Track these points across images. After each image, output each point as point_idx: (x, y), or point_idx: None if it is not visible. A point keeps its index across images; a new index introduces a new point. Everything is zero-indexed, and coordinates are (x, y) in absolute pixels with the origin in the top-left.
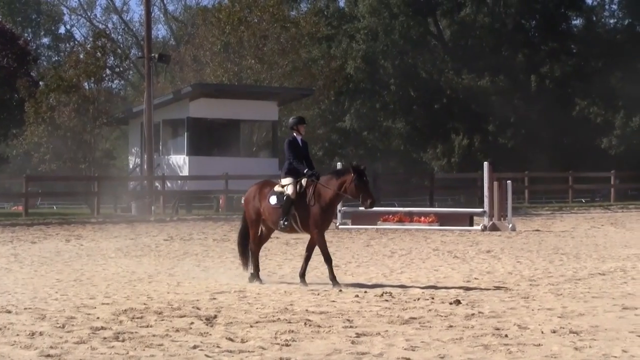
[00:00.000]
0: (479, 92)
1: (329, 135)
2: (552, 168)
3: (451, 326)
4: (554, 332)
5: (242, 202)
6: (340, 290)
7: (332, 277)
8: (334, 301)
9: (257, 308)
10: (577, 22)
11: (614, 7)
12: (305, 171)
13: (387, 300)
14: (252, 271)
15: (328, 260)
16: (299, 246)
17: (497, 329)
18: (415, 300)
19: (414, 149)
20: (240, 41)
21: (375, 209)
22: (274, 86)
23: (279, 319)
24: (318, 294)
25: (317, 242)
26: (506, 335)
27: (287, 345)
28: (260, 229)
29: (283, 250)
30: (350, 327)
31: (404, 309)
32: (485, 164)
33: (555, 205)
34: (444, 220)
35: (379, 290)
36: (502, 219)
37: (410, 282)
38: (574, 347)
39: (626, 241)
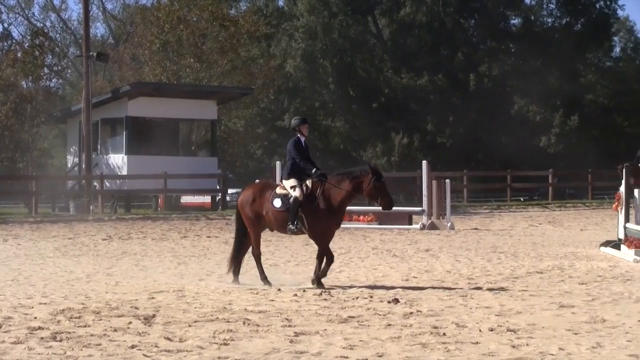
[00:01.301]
0: (418, 91)
1: (269, 134)
2: (490, 167)
3: (389, 325)
4: (492, 330)
5: (237, 205)
6: (328, 292)
7: (319, 277)
8: (272, 300)
9: (195, 307)
10: (516, 21)
11: (552, 6)
12: (313, 171)
13: (326, 299)
14: (262, 276)
15: (322, 259)
16: None
17: (435, 328)
18: (354, 299)
19: (354, 148)
20: (179, 40)
21: None
22: (213, 85)
23: (217, 318)
24: (257, 293)
25: (323, 242)
26: (444, 334)
27: (225, 344)
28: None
29: (222, 250)
30: (289, 326)
31: (343, 307)
32: (424, 162)
33: (494, 204)
34: (383, 219)
35: (317, 289)
36: (440, 217)
37: (349, 281)
38: (512, 345)
39: (563, 239)
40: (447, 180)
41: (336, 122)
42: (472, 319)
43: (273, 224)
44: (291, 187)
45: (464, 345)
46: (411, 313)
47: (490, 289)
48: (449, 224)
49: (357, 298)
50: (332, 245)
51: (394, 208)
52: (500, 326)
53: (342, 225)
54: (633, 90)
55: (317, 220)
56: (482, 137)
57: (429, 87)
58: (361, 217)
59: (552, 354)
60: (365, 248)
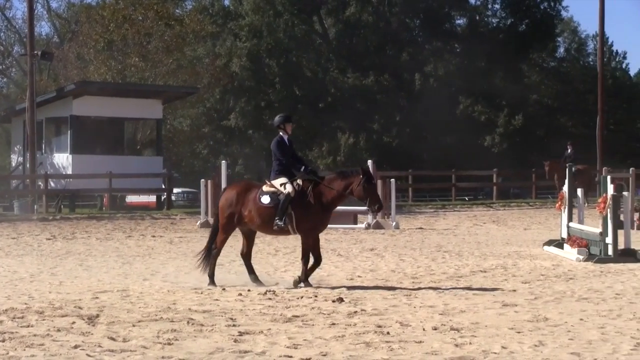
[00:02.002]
0: (364, 91)
1: (214, 133)
2: (435, 166)
3: (334, 324)
4: (435, 329)
5: (220, 206)
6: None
7: (305, 278)
8: (217, 300)
9: (139, 307)
10: (461, 21)
11: (497, 6)
12: (302, 169)
13: (270, 299)
14: (210, 272)
15: (307, 261)
16: (182, 245)
17: (379, 327)
18: (298, 298)
19: (300, 148)
20: (125, 39)
21: None
22: (159, 84)
23: (161, 318)
24: (201, 293)
25: (308, 241)
26: (388, 333)
27: (169, 344)
28: (227, 234)
29: (167, 249)
30: (233, 325)
31: (287, 307)
32: (370, 162)
33: (439, 203)
34: None
35: (262, 289)
36: (386, 217)
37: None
38: (455, 344)
39: (507, 239)
40: (392, 180)
41: None
42: (416, 318)
43: (256, 221)
44: (281, 185)
45: (407, 344)
46: (355, 312)
47: (434, 288)
48: (394, 224)
49: (302, 297)
50: (278, 245)
51: (338, 207)
52: (444, 325)
53: None
54: (577, 90)
55: (307, 217)
56: (427, 137)
57: (375, 87)
58: None
59: (495, 353)
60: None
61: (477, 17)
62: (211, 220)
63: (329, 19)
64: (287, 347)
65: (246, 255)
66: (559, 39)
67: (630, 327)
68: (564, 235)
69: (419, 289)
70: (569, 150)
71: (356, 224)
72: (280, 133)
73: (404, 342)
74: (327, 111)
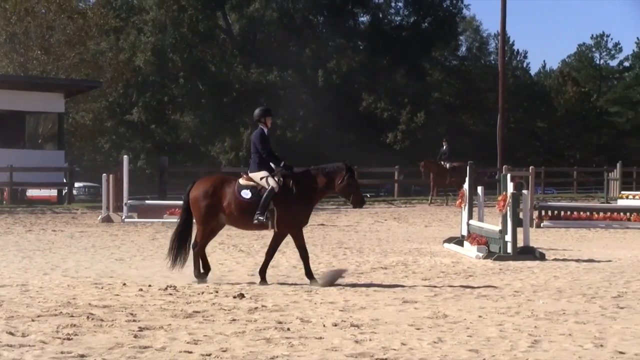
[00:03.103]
0: (268, 87)
1: (117, 128)
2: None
3: (234, 320)
4: (336, 325)
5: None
6: (174, 286)
7: (309, 274)
8: (117, 295)
9: (39, 302)
10: (364, 19)
11: (400, 4)
12: (282, 165)
13: (171, 294)
14: (196, 271)
15: (306, 257)
16: (83, 239)
17: (280, 323)
18: (199, 294)
19: (202, 143)
20: (27, 32)
21: (161, 202)
22: (61, 78)
23: (61, 312)
24: (102, 288)
25: (296, 237)
26: (288, 329)
27: (68, 339)
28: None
29: (67, 244)
30: (134, 320)
31: (188, 302)
32: None
33: (340, 200)
34: None
35: (163, 284)
36: None
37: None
38: (355, 340)
39: (408, 236)
40: None
41: (185, 116)
42: (316, 314)
43: (234, 216)
44: (262, 179)
45: (307, 340)
46: (256, 308)
47: (335, 284)
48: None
49: (203, 293)
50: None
51: None
52: (344, 321)
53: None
54: (478, 89)
55: (290, 213)
56: (330, 133)
57: (279, 83)
58: None
59: (395, 349)
60: (212, 243)
61: (381, 15)
62: (113, 215)
63: (233, 15)
64: (188, 342)
65: (201, 249)
66: (461, 37)
67: (528, 324)
68: (464, 232)
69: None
70: (444, 147)
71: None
72: (260, 126)
73: (304, 338)
74: (230, 106)
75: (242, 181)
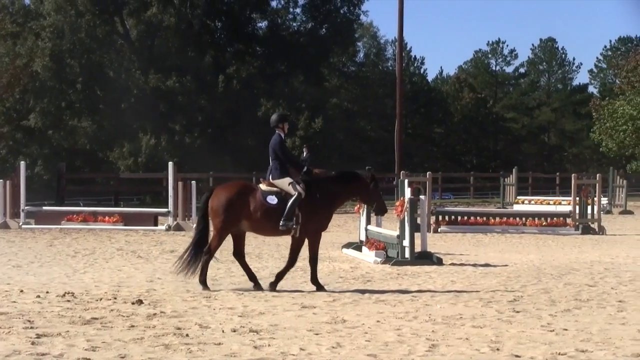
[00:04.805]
0: (167, 92)
1: (13, 133)
2: (237, 169)
3: (133, 326)
4: (235, 331)
5: (209, 208)
6: (72, 293)
7: (315, 280)
8: (14, 302)
9: None
10: (262, 24)
11: (298, 10)
12: (304, 170)
13: (69, 301)
14: (202, 277)
15: (315, 261)
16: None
17: (179, 329)
18: (97, 300)
19: (100, 148)
20: None
21: (59, 208)
22: None
23: None
24: None
25: (314, 243)
26: (187, 335)
27: None
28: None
29: None
30: (31, 327)
31: (86, 309)
32: (170, 164)
33: None
34: (128, 220)
35: (60, 291)
36: (186, 219)
37: (94, 282)
38: (254, 346)
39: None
40: (193, 182)
41: (83, 122)
42: (215, 320)
43: (259, 223)
44: (289, 185)
45: (206, 346)
46: (155, 314)
47: (234, 290)
48: (194, 226)
49: (101, 299)
50: (77, 246)
51: (140, 209)
52: (243, 327)
53: (87, 226)
54: (376, 94)
55: (314, 218)
56: (229, 139)
57: (178, 89)
58: (107, 218)
59: (293, 354)
60: (111, 249)
61: (279, 21)
62: (10, 222)
63: (130, 20)
64: (86, 349)
65: (240, 255)
66: (359, 43)
67: (426, 328)
68: (363, 238)
69: (219, 290)
70: (305, 154)
71: (157, 225)
72: (278, 132)
73: (203, 344)
74: (129, 112)
75: (264, 187)
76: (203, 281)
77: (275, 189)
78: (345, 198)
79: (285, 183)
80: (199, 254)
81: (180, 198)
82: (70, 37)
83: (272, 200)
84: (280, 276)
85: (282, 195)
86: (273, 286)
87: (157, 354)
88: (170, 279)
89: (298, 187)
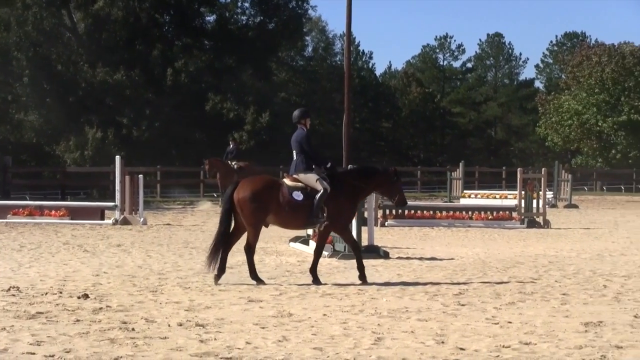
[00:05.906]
0: (114, 86)
1: None
2: (185, 163)
3: (78, 320)
4: (181, 325)
5: (235, 201)
6: (17, 287)
7: (361, 269)
8: None
9: None
10: (211, 18)
11: (246, 4)
12: (328, 166)
13: (14, 295)
14: (252, 274)
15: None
16: None
17: (125, 323)
18: (43, 294)
19: (47, 142)
20: None
21: (4, 202)
22: None
23: None
24: None
25: (345, 235)
26: (133, 329)
27: None
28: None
29: None
30: None
31: (31, 303)
32: (117, 157)
33: (187, 200)
34: (75, 213)
35: (5, 285)
36: (133, 212)
37: (39, 276)
38: (200, 340)
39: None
40: (140, 176)
41: (29, 115)
42: (161, 314)
43: (285, 217)
44: (317, 181)
45: (152, 340)
46: (100, 308)
47: (180, 284)
48: (142, 219)
49: (47, 294)
50: (23, 240)
51: (86, 203)
52: (189, 321)
53: (33, 220)
54: (324, 89)
55: (339, 212)
56: (176, 133)
57: (125, 82)
58: (53, 212)
59: (239, 348)
60: (57, 243)
61: (227, 14)
62: None
63: (78, 13)
64: (30, 344)
65: (226, 251)
66: (307, 38)
67: (371, 322)
68: (310, 232)
69: (166, 285)
70: (231, 146)
71: (103, 219)
72: (300, 127)
73: (149, 338)
74: (76, 105)
75: (289, 182)
76: (256, 278)
77: (300, 184)
78: (368, 192)
79: (312, 179)
80: (221, 249)
81: (127, 192)
82: (16, 30)
83: (298, 196)
84: (360, 268)
85: (307, 191)
86: (363, 278)
87: (102, 348)
88: (116, 273)
89: (324, 183)
